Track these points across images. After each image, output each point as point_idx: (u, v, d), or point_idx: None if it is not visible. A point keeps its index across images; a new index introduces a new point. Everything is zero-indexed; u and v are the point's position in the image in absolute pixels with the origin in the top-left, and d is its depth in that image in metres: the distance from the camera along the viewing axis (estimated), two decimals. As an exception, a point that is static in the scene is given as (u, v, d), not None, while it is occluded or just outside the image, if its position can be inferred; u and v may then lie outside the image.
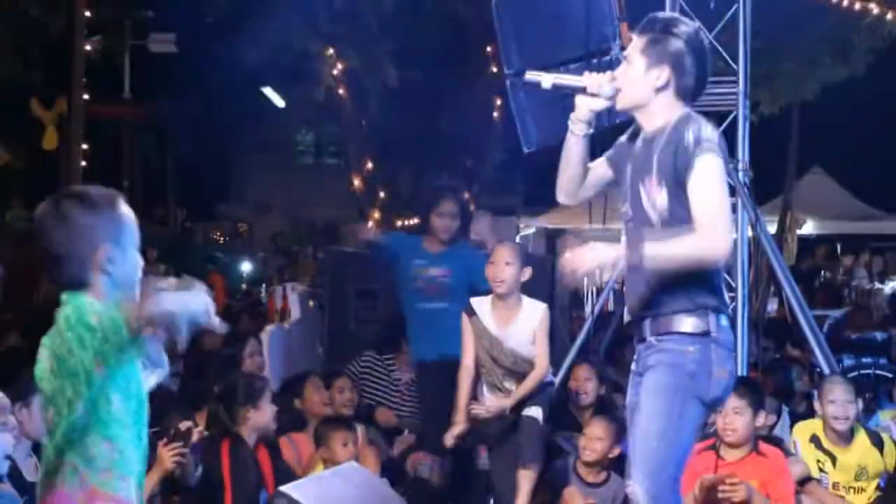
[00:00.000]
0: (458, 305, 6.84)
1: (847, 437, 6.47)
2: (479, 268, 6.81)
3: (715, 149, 4.18)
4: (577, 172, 4.51)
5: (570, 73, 4.61)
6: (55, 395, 3.26)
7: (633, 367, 4.51)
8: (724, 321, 4.32)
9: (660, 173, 4.23)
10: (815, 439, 6.52)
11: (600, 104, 4.37)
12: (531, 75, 4.47)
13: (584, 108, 4.38)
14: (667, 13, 4.57)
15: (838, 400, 6.42)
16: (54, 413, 3.28)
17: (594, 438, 6.50)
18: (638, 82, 4.33)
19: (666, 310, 4.29)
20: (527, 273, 6.57)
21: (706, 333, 4.25)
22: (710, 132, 4.21)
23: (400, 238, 7.60)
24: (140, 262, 3.41)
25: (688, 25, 4.39)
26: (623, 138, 4.53)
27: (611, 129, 4.97)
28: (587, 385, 7.42)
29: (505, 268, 6.44)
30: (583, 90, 4.37)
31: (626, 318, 4.54)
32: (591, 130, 4.42)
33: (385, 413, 7.99)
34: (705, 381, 4.25)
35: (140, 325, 3.16)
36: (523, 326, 6.45)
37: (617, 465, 6.39)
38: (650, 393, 4.28)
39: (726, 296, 4.46)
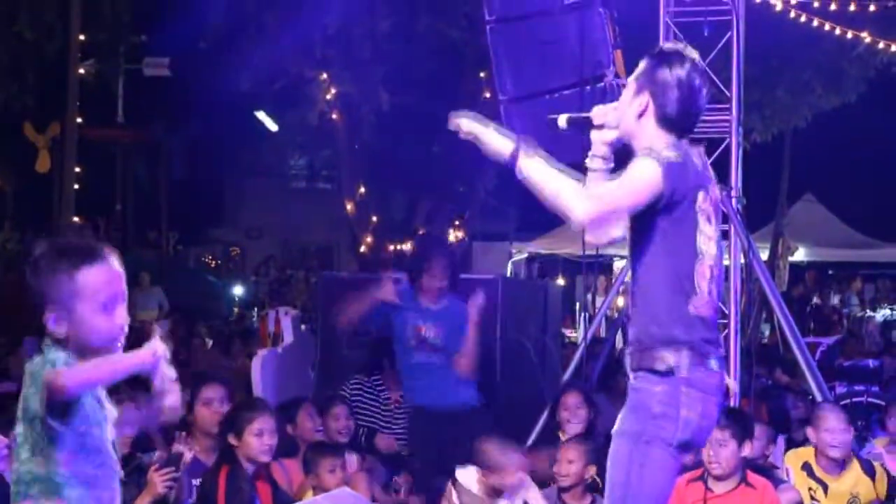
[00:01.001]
0: (448, 361, 7.31)
1: (840, 466, 6.47)
2: (461, 324, 7.24)
3: (657, 159, 4.04)
4: None
5: (564, 98, 4.63)
6: (16, 439, 3.27)
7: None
8: (710, 363, 4.15)
9: None
10: (806, 467, 6.51)
11: (610, 136, 4.35)
12: (551, 116, 4.48)
13: (598, 142, 4.37)
14: (674, 45, 4.49)
15: (833, 428, 6.42)
16: (17, 460, 3.27)
17: (566, 461, 6.48)
18: (623, 109, 4.33)
19: (640, 344, 4.18)
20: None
21: (673, 372, 4.10)
22: (666, 151, 4.09)
23: (396, 290, 7.64)
24: (113, 322, 3.31)
25: (686, 59, 4.28)
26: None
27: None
28: (579, 412, 7.41)
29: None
30: (591, 122, 4.37)
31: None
32: (611, 165, 4.34)
33: (385, 440, 8.00)
34: (672, 425, 4.09)
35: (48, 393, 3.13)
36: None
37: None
38: (615, 436, 4.19)
39: (715, 334, 4.25)
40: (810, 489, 6.46)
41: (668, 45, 4.48)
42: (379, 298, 7.48)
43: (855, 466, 6.53)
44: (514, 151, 4.11)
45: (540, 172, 4.06)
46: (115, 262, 3.34)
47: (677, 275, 4.15)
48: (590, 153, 4.38)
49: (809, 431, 6.59)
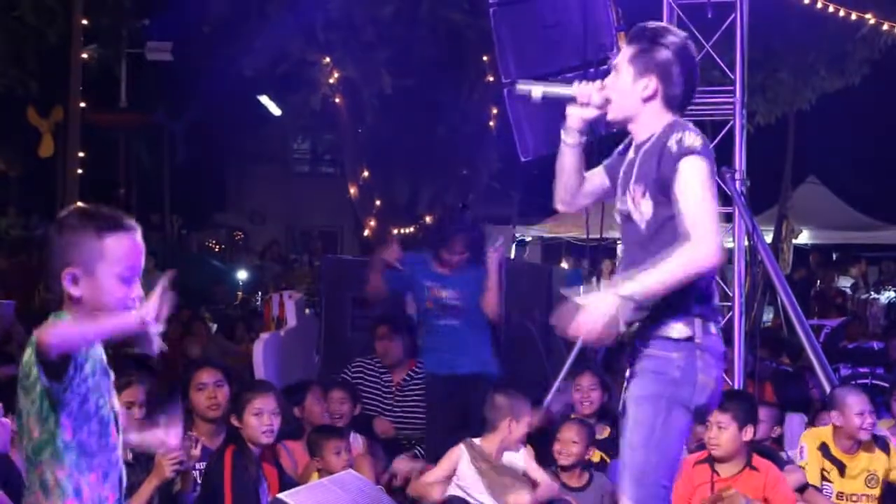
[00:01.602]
0: (468, 322, 7.45)
1: (857, 444, 6.49)
2: (478, 281, 7.40)
3: (696, 153, 4.14)
4: (572, 181, 4.51)
5: (565, 82, 4.61)
6: (19, 414, 3.28)
7: (626, 374, 4.50)
8: (713, 328, 4.29)
9: (644, 181, 4.23)
10: (823, 447, 6.52)
11: (591, 113, 4.37)
12: (521, 86, 4.49)
13: (575, 117, 4.39)
14: (655, 23, 4.50)
15: (864, 410, 6.44)
16: (21, 432, 3.29)
17: (568, 442, 6.56)
18: (626, 92, 4.32)
19: (651, 316, 4.25)
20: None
21: (690, 339, 4.22)
22: (692, 139, 4.16)
23: (411, 258, 7.74)
24: (131, 293, 3.32)
25: (676, 35, 4.38)
26: (620, 148, 4.52)
27: (607, 138, 4.97)
28: (592, 394, 7.45)
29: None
30: (573, 100, 4.38)
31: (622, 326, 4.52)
32: (584, 139, 4.41)
33: (383, 424, 8.02)
34: (689, 389, 4.21)
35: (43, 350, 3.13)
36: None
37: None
38: (633, 401, 4.27)
39: (716, 302, 4.41)
40: (823, 469, 6.47)
41: (651, 24, 4.46)
42: (384, 259, 7.56)
43: (870, 444, 6.56)
44: (633, 302, 4.08)
45: (654, 278, 4.07)
46: (139, 236, 3.37)
47: None
48: (566, 126, 4.40)
49: (834, 415, 6.56)
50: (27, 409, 3.24)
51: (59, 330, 3.15)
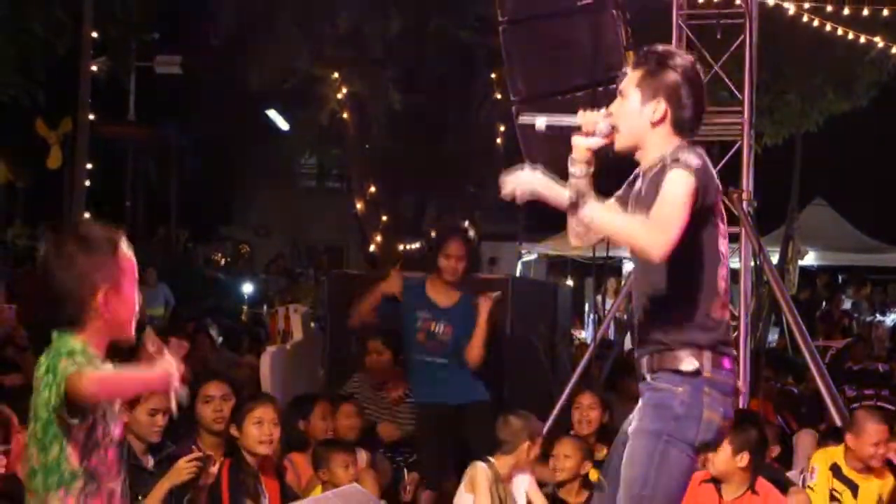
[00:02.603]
0: (456, 360, 7.28)
1: (872, 467, 6.47)
2: (470, 319, 7.23)
3: (688, 168, 4.02)
4: None
5: (569, 114, 4.53)
6: (30, 436, 3.31)
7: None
8: (726, 363, 4.17)
9: (646, 203, 4.11)
10: (834, 468, 6.48)
11: (597, 143, 4.23)
12: (525, 118, 4.43)
13: (582, 148, 4.23)
14: (661, 45, 4.40)
15: (881, 440, 6.41)
16: (29, 455, 3.32)
17: (562, 456, 6.55)
18: (633, 117, 4.23)
19: (659, 346, 4.18)
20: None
21: (698, 373, 4.11)
22: (691, 158, 4.06)
23: (409, 285, 7.61)
24: (137, 301, 3.45)
25: (683, 58, 4.30)
26: (630, 179, 4.41)
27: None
28: (591, 413, 7.42)
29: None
30: (578, 129, 4.26)
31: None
32: (592, 169, 4.23)
33: (387, 428, 7.99)
34: (693, 426, 4.10)
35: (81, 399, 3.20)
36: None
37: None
38: (633, 434, 4.18)
39: (724, 334, 4.25)
40: (834, 490, 6.44)
41: (657, 47, 4.39)
42: (385, 291, 7.49)
43: (882, 469, 6.54)
44: (573, 200, 4.07)
45: (604, 217, 4.06)
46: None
47: (703, 279, 4.17)
48: (572, 158, 4.23)
49: (849, 437, 6.54)
50: (32, 432, 3.30)
51: (98, 382, 3.21)
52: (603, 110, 4.30)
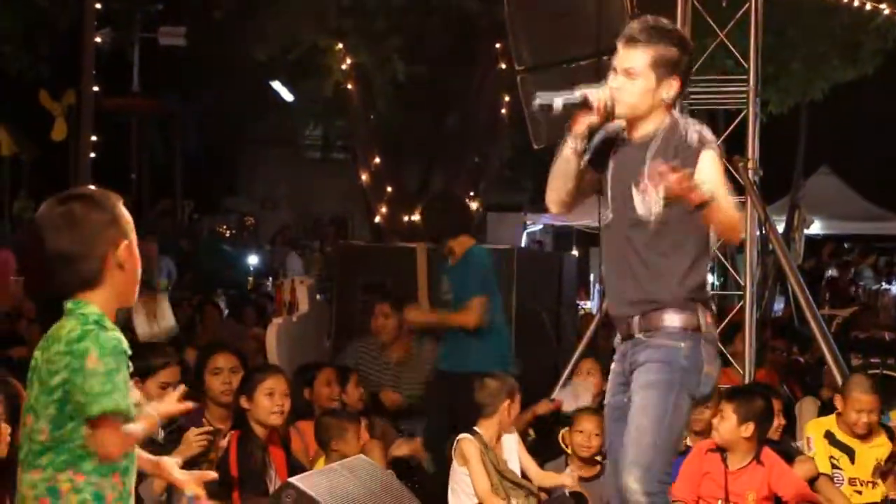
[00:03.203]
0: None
1: (868, 432, 6.49)
2: (468, 280, 7.18)
3: (717, 149, 4.30)
4: (574, 185, 4.52)
5: (581, 70, 4.60)
6: (28, 409, 3.23)
7: (614, 366, 4.52)
8: (710, 317, 4.38)
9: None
10: (829, 435, 6.52)
11: (595, 120, 4.38)
12: (542, 98, 4.44)
13: (584, 124, 4.38)
14: (660, 20, 4.49)
15: (864, 409, 6.44)
16: (28, 429, 3.22)
17: (591, 434, 6.55)
18: (647, 95, 4.36)
19: (656, 305, 4.32)
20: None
21: (697, 329, 4.31)
22: (709, 134, 4.32)
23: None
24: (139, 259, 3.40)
25: (686, 35, 4.67)
26: (595, 142, 4.49)
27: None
28: (589, 379, 7.44)
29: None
30: (589, 106, 4.35)
31: (613, 314, 4.53)
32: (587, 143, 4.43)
33: (389, 395, 8.01)
34: (696, 378, 4.29)
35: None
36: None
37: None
38: (641, 388, 4.30)
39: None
40: (832, 457, 6.47)
41: (665, 25, 4.47)
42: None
43: (881, 433, 6.57)
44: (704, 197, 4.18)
45: (723, 194, 4.24)
46: None
47: (704, 241, 4.40)
48: (574, 133, 4.39)
49: (838, 398, 6.61)
50: (41, 406, 3.18)
51: (122, 445, 3.17)
52: (608, 89, 4.38)
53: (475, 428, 6.38)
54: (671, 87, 4.36)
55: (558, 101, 4.38)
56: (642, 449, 4.24)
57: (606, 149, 4.50)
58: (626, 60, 4.38)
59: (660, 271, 4.32)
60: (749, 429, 5.96)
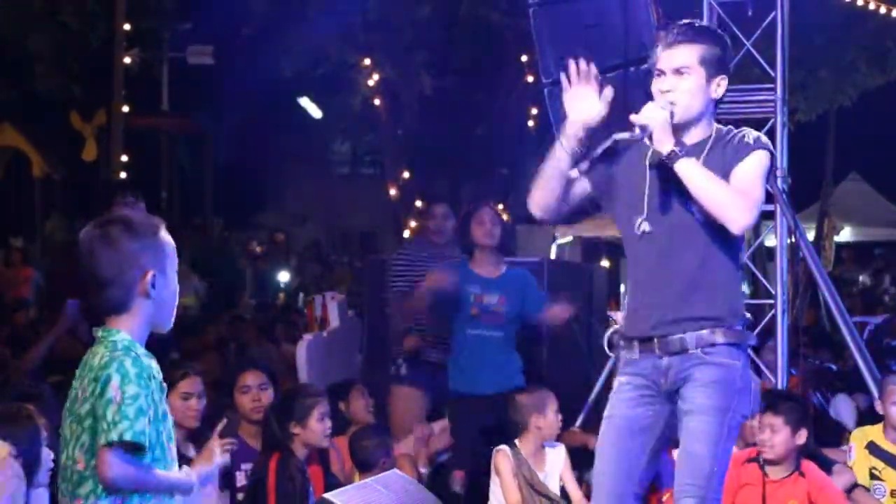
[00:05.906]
0: (510, 334, 7.23)
1: None
2: (533, 294, 7.27)
3: (770, 153, 4.25)
4: (560, 186, 4.41)
5: (607, 81, 4.57)
6: (64, 439, 3.26)
7: (631, 378, 4.36)
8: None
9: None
10: (871, 445, 6.41)
11: (595, 120, 4.33)
12: (603, 146, 4.35)
13: (578, 125, 4.33)
14: (698, 21, 4.55)
15: None
16: (65, 457, 3.25)
17: None
18: (700, 93, 4.31)
19: (710, 321, 4.23)
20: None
21: (746, 345, 4.27)
22: (766, 139, 4.29)
23: (451, 266, 7.49)
24: (178, 286, 3.42)
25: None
26: (600, 152, 4.39)
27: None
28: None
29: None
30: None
31: (647, 329, 4.32)
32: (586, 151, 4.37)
33: (410, 340, 7.94)
34: (748, 398, 4.27)
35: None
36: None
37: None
38: (702, 413, 4.20)
39: None
40: (873, 468, 6.37)
41: (704, 24, 4.52)
42: (430, 287, 7.41)
43: None
44: (672, 152, 4.17)
45: (699, 177, 4.15)
46: None
47: (740, 252, 4.37)
48: (566, 133, 4.36)
49: (877, 404, 6.53)
50: (74, 437, 3.22)
51: (125, 476, 3.17)
52: (658, 101, 4.31)
53: (515, 441, 6.39)
54: (720, 86, 4.31)
55: (636, 131, 4.27)
56: (700, 479, 4.18)
57: (616, 158, 4.42)
58: (674, 59, 4.30)
59: (720, 285, 4.25)
60: (803, 436, 5.90)
